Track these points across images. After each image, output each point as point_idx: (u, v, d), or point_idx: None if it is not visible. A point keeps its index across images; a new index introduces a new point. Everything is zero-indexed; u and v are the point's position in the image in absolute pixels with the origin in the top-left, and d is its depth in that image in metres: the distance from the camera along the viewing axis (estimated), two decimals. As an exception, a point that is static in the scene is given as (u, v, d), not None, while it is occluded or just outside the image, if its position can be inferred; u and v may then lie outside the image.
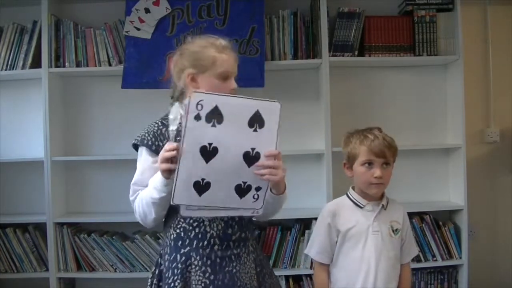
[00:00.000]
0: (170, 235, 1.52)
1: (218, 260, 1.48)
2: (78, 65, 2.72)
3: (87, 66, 2.72)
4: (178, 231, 1.50)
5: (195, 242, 1.48)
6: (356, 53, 2.72)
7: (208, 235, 1.48)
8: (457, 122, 2.78)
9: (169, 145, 1.31)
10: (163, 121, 1.55)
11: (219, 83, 1.49)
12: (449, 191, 2.92)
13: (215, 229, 1.48)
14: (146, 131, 1.53)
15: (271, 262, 2.67)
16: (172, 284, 1.46)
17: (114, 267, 2.73)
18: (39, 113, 2.72)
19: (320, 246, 1.76)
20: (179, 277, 1.46)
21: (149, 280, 1.55)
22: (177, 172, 1.28)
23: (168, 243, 1.53)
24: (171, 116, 1.37)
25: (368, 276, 1.68)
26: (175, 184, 1.28)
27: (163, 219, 1.55)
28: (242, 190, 1.35)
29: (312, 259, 1.82)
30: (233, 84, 1.52)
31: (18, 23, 2.76)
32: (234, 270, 1.50)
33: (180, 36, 2.60)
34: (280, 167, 1.38)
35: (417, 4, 2.74)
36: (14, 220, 2.77)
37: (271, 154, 1.35)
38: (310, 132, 2.87)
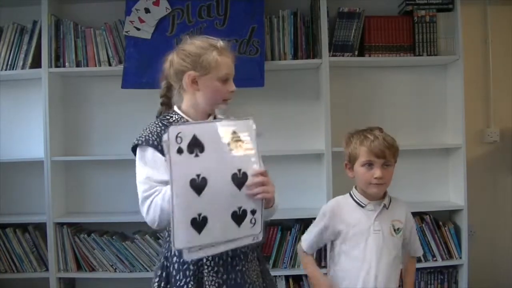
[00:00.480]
0: None
1: (229, 259, 1.47)
2: (78, 65, 2.72)
3: (87, 66, 2.72)
4: None
5: None
6: (356, 53, 2.72)
7: None
8: (457, 122, 2.78)
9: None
10: (162, 121, 1.53)
11: (220, 85, 1.49)
12: (449, 191, 2.92)
13: None
14: (149, 131, 1.49)
15: (271, 262, 2.68)
16: (185, 286, 1.44)
17: (114, 267, 2.73)
18: (39, 113, 2.72)
19: (310, 241, 1.81)
20: (191, 278, 1.44)
21: (155, 283, 1.52)
22: (172, 214, 1.25)
23: None
24: (222, 116, 1.42)
25: (369, 275, 1.68)
26: (173, 228, 1.25)
27: None
28: (238, 217, 1.33)
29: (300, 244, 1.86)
30: (232, 86, 1.52)
31: (18, 23, 2.76)
32: (244, 269, 1.50)
33: (180, 36, 2.59)
34: (269, 183, 1.37)
35: (417, 4, 2.75)
36: (14, 220, 2.77)
37: (258, 173, 1.34)
38: (310, 132, 2.87)
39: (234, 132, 1.31)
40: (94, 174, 2.90)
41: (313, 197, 2.83)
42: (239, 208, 1.32)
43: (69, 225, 2.75)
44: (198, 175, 1.26)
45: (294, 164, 2.86)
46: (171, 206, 1.24)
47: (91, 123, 2.91)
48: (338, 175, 2.44)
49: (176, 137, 1.23)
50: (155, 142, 1.45)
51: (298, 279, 2.74)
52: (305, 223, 2.72)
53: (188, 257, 1.32)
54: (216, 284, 1.45)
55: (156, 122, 1.53)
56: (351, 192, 1.80)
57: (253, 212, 1.34)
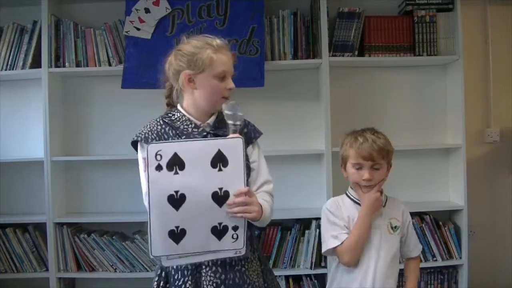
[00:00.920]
0: None
1: (227, 259, 1.47)
2: (78, 65, 2.72)
3: (87, 66, 2.72)
4: None
5: None
6: (356, 53, 2.72)
7: None
8: (457, 122, 2.78)
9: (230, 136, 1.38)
10: (164, 119, 1.55)
11: (216, 83, 1.50)
12: (449, 191, 2.92)
13: None
14: (149, 129, 1.52)
15: (271, 262, 2.67)
16: (183, 286, 1.46)
17: (114, 267, 2.73)
18: (39, 113, 2.72)
19: (332, 230, 1.73)
20: (189, 278, 1.46)
21: (155, 282, 1.53)
22: (149, 224, 1.28)
23: None
24: (229, 112, 1.43)
25: (367, 273, 1.68)
26: (150, 237, 1.28)
27: None
28: (219, 232, 1.34)
29: (333, 255, 1.77)
30: (230, 83, 1.52)
31: (18, 23, 2.76)
32: (243, 269, 1.50)
33: (180, 36, 2.58)
34: (252, 203, 1.37)
35: (417, 4, 2.75)
36: (14, 220, 2.77)
37: (240, 192, 1.35)
38: (310, 132, 2.87)
39: (218, 151, 1.32)
40: (94, 174, 2.90)
41: (313, 197, 2.83)
42: (220, 223, 1.34)
43: (69, 225, 2.75)
44: (176, 192, 1.29)
45: (294, 164, 2.86)
46: (148, 217, 1.28)
47: (91, 123, 2.91)
48: (338, 175, 2.42)
49: (156, 154, 1.27)
50: (153, 141, 1.48)
51: (298, 279, 2.74)
52: (305, 223, 2.72)
53: (166, 263, 1.36)
54: (214, 284, 1.45)
55: (157, 120, 1.56)
56: (347, 191, 1.82)
57: (235, 228, 1.36)
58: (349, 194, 1.80)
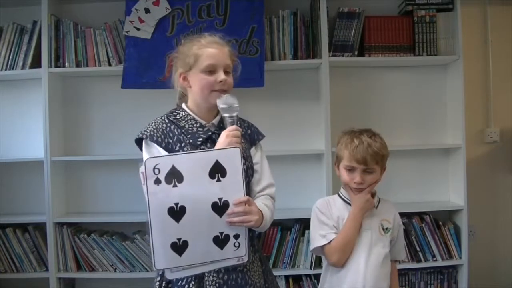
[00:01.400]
0: None
1: None
2: (78, 65, 2.72)
3: (87, 66, 2.72)
4: None
5: None
6: (356, 53, 2.72)
7: None
8: (457, 122, 2.78)
9: (229, 129, 1.41)
10: (169, 117, 1.56)
11: (205, 77, 1.51)
12: (449, 191, 2.92)
13: None
14: (154, 127, 1.53)
15: (271, 262, 2.67)
16: (186, 286, 1.46)
17: (114, 267, 2.73)
18: (39, 113, 2.72)
19: (321, 229, 1.74)
20: (192, 278, 1.46)
21: (157, 282, 1.54)
22: (151, 238, 1.29)
23: None
24: (223, 106, 1.44)
25: (357, 273, 1.68)
26: (153, 250, 1.29)
27: None
28: (221, 241, 1.35)
29: (320, 256, 1.79)
30: (220, 76, 1.50)
31: (18, 23, 2.76)
32: (245, 269, 1.51)
33: (180, 36, 2.60)
34: (252, 212, 1.38)
35: (417, 4, 2.75)
36: (14, 220, 2.77)
37: (240, 202, 1.35)
38: (310, 132, 2.87)
39: (216, 162, 1.33)
40: (94, 174, 2.90)
41: (313, 197, 2.78)
42: (221, 233, 1.35)
43: (69, 225, 2.75)
44: (176, 204, 1.30)
45: (294, 164, 2.86)
46: (149, 230, 1.28)
47: (91, 123, 2.91)
48: (338, 175, 2.44)
49: (154, 168, 1.28)
50: (159, 139, 1.50)
51: (298, 279, 2.74)
52: (305, 223, 2.72)
53: (170, 276, 1.36)
54: (217, 285, 1.46)
55: (163, 118, 1.57)
56: (339, 192, 1.82)
57: (236, 236, 1.37)
58: (341, 194, 1.81)
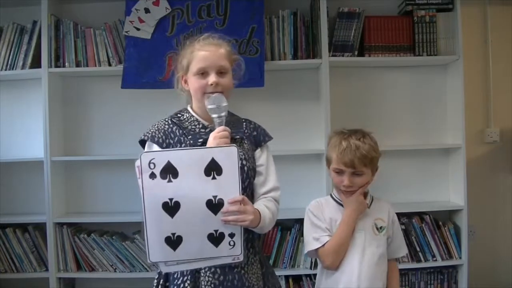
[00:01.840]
0: None
1: None
2: (78, 65, 2.72)
3: (87, 66, 2.72)
4: None
5: None
6: (356, 53, 2.72)
7: None
8: (457, 122, 2.78)
9: (217, 130, 1.42)
10: (172, 119, 1.57)
11: (197, 80, 1.52)
12: (449, 191, 2.92)
13: None
14: (156, 128, 1.55)
15: (271, 262, 2.67)
16: (182, 285, 1.47)
17: (114, 267, 2.73)
18: (39, 113, 2.72)
19: (314, 233, 1.73)
20: (188, 277, 1.47)
21: (155, 281, 1.55)
22: (146, 231, 1.30)
23: None
24: (211, 106, 1.45)
25: (351, 274, 1.67)
26: (147, 243, 1.31)
27: None
28: (215, 239, 1.35)
29: (316, 258, 1.78)
30: (211, 78, 1.50)
31: (18, 23, 2.76)
32: (243, 271, 1.50)
33: (180, 36, 2.60)
34: (247, 212, 1.37)
35: (417, 4, 2.75)
36: (14, 220, 2.77)
37: (235, 201, 1.35)
38: (310, 132, 2.87)
39: (212, 160, 1.33)
40: (94, 174, 2.90)
41: (313, 197, 2.75)
42: (216, 231, 1.35)
43: (69, 225, 2.75)
44: (170, 199, 1.31)
45: (294, 164, 2.86)
46: (144, 224, 1.30)
47: (91, 123, 2.91)
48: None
49: (149, 163, 1.29)
50: (160, 140, 1.52)
51: (298, 279, 2.74)
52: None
53: (164, 269, 1.37)
54: (212, 285, 1.46)
55: (166, 120, 1.59)
56: (332, 193, 1.82)
57: (231, 235, 1.36)
58: (333, 195, 1.80)
